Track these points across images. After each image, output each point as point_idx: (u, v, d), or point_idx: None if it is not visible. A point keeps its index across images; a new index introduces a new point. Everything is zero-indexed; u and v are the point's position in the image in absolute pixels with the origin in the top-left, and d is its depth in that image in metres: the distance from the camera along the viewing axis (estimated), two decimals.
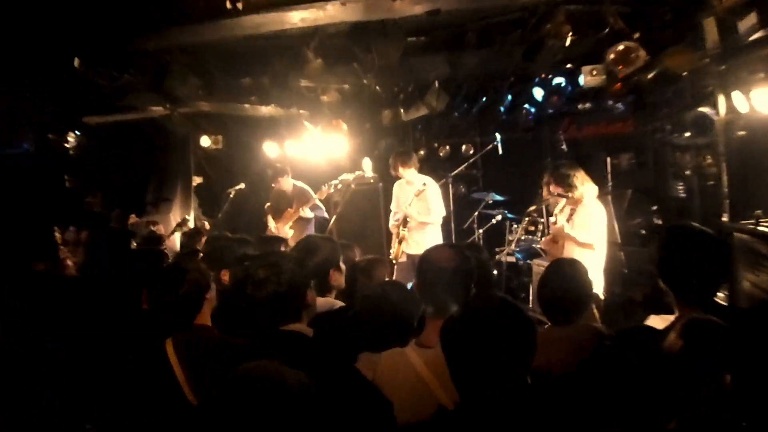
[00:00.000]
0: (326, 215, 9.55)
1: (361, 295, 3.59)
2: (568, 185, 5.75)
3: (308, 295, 3.07)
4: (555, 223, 5.94)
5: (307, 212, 9.20)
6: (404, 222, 7.81)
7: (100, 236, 5.65)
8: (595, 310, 5.53)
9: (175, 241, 9.50)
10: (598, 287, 5.71)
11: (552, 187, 5.92)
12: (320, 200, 9.41)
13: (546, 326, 3.56)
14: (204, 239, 6.70)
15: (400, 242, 7.84)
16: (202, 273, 3.41)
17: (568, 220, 5.83)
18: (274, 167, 9.83)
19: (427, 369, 2.74)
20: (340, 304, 3.75)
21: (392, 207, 8.25)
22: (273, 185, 9.63)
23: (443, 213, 7.93)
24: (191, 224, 10.92)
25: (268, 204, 9.71)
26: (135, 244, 7.37)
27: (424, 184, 7.75)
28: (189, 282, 3.28)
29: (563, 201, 6.00)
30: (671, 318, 2.86)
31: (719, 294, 6.01)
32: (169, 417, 2.88)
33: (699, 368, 2.19)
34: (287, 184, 9.51)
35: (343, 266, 4.00)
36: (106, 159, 10.62)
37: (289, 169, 9.67)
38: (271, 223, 9.40)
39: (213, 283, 3.45)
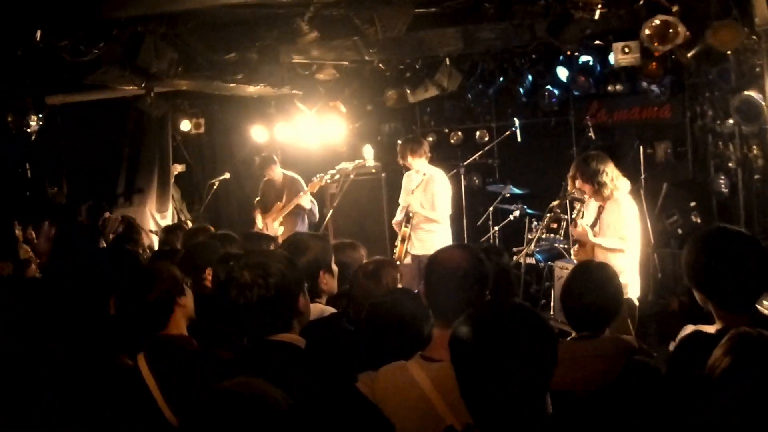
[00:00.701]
0: (317, 216, 9.50)
1: (371, 302, 3.59)
2: (597, 183, 5.72)
3: (300, 301, 3.02)
4: (575, 226, 5.91)
5: (306, 201, 9.16)
6: (407, 218, 7.78)
7: (65, 233, 5.63)
8: (629, 320, 5.51)
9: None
10: (633, 292, 5.69)
11: (578, 183, 5.88)
12: (312, 194, 9.39)
13: (569, 338, 3.53)
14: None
15: (402, 241, 7.81)
16: (173, 277, 3.37)
17: (595, 221, 5.78)
18: (260, 156, 9.81)
19: (432, 386, 2.71)
20: (331, 310, 3.73)
21: (400, 200, 8.22)
22: (263, 177, 9.61)
23: (449, 211, 7.91)
24: (167, 220, 10.93)
25: (258, 198, 9.70)
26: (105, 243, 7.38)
27: (427, 173, 7.72)
28: (158, 287, 3.25)
29: (587, 200, 5.97)
30: (710, 329, 2.85)
31: (765, 303, 6.00)
32: None
33: (749, 389, 2.16)
34: (277, 174, 9.50)
35: (335, 268, 3.98)
36: (73, 144, 10.60)
37: (278, 157, 9.64)
38: (259, 220, 9.39)
39: (188, 288, 3.41)
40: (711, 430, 2.21)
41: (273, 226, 9.18)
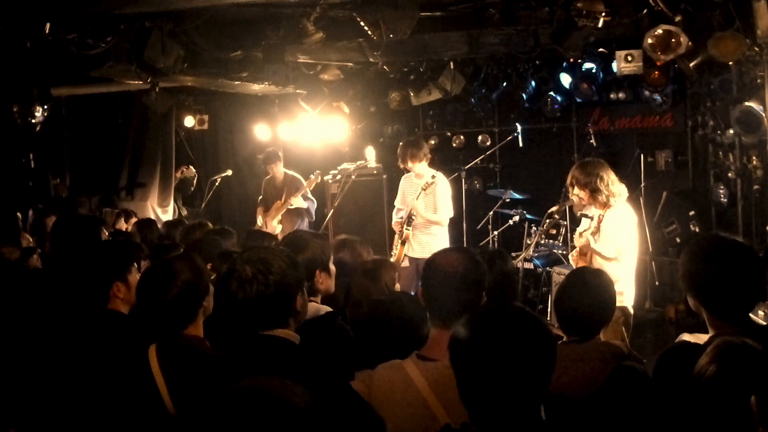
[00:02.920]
0: (313, 216, 9.53)
1: (372, 300, 3.61)
2: (593, 189, 5.73)
3: (298, 301, 3.01)
4: (581, 235, 5.91)
5: (299, 201, 9.20)
6: (409, 220, 7.81)
7: (66, 224, 5.65)
8: (623, 327, 5.54)
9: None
10: (629, 300, 5.71)
11: (577, 189, 5.88)
12: (310, 192, 9.42)
13: (560, 342, 3.56)
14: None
15: (403, 243, 7.83)
16: (199, 273, 3.25)
17: (595, 231, 5.79)
18: (266, 151, 9.83)
19: (428, 385, 2.74)
20: (326, 309, 3.74)
21: (396, 203, 8.25)
22: (266, 173, 9.64)
23: (451, 213, 7.93)
24: (168, 215, 10.95)
25: (261, 197, 9.73)
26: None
27: (433, 176, 7.75)
28: (180, 284, 3.14)
29: (589, 212, 5.97)
30: (704, 338, 2.86)
31: (760, 313, 6.04)
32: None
33: (733, 397, 2.19)
34: (279, 171, 9.53)
35: (332, 268, 3.99)
36: (77, 137, 10.65)
37: (281, 154, 9.66)
38: (259, 218, 9.43)
39: (212, 288, 3.32)
40: None
41: (272, 224, 9.21)
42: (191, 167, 11.53)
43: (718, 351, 2.31)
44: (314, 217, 9.51)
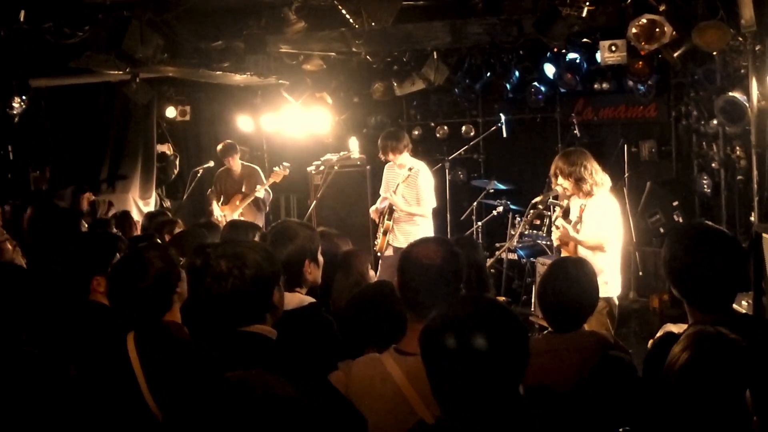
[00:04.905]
0: (267, 206, 9.60)
1: (359, 291, 3.58)
2: (576, 178, 5.71)
3: (275, 295, 2.98)
4: (559, 228, 5.89)
5: (261, 193, 9.28)
6: (390, 211, 7.78)
7: (42, 217, 5.59)
8: (608, 317, 5.53)
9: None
10: (613, 290, 5.70)
11: (560, 179, 5.86)
12: (276, 182, 9.52)
13: (545, 332, 3.54)
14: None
15: (384, 233, 7.81)
16: (170, 262, 3.24)
17: (578, 220, 5.77)
18: (222, 144, 9.83)
19: (406, 379, 2.71)
20: (309, 300, 3.71)
21: (381, 192, 8.22)
22: (222, 165, 9.69)
23: (433, 204, 7.91)
24: (150, 207, 10.88)
25: (211, 189, 9.76)
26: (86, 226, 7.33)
27: (411, 168, 7.71)
28: (153, 273, 3.12)
29: (570, 199, 5.96)
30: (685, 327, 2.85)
31: (743, 303, 6.04)
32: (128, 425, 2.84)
33: (706, 384, 2.19)
34: (237, 164, 9.58)
35: (321, 258, 3.96)
36: (56, 128, 10.53)
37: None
38: (217, 211, 9.43)
39: (184, 274, 3.34)
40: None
41: (234, 217, 9.17)
42: (170, 146, 11.49)
43: (691, 340, 2.34)
44: (268, 207, 9.55)
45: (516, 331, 2.03)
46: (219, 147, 9.81)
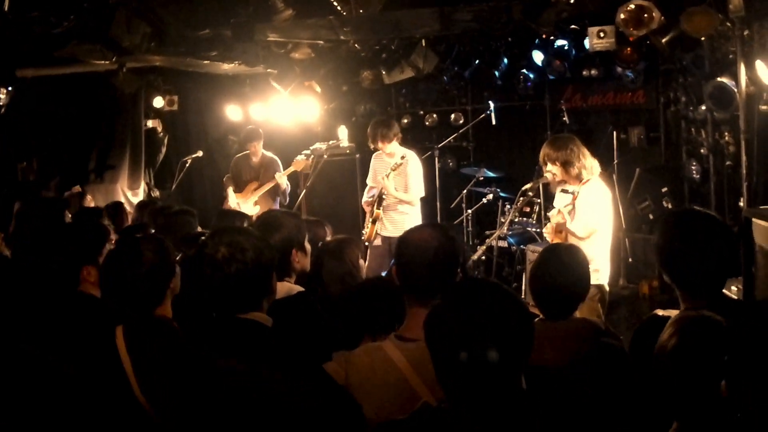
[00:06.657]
0: (287, 198, 9.38)
1: (363, 281, 3.58)
2: (565, 162, 5.70)
3: (273, 279, 3.02)
4: (559, 212, 5.87)
5: (282, 181, 9.06)
6: (379, 200, 7.75)
7: (29, 207, 5.54)
8: (599, 304, 5.53)
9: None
10: (604, 277, 5.70)
11: (550, 165, 5.85)
12: (296, 171, 9.30)
13: (537, 319, 3.53)
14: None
15: (374, 222, 7.79)
16: (166, 255, 3.20)
17: (570, 210, 5.75)
18: (246, 129, 9.62)
19: (409, 366, 2.71)
20: (298, 289, 3.70)
21: (368, 181, 8.19)
22: (244, 150, 9.44)
23: (422, 192, 7.90)
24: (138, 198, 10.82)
25: (228, 175, 9.58)
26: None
27: (403, 157, 7.69)
28: (148, 266, 3.09)
29: (570, 188, 5.93)
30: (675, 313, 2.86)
31: (733, 288, 6.05)
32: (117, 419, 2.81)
33: (695, 369, 2.20)
34: (259, 151, 9.32)
35: (308, 247, 3.95)
36: (43, 119, 10.43)
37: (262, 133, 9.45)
38: (232, 198, 9.23)
39: (178, 269, 3.30)
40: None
41: (248, 205, 9.07)
42: (160, 122, 11.39)
43: (679, 325, 2.34)
44: (288, 199, 9.40)
45: (521, 315, 2.02)
46: (243, 133, 9.57)
